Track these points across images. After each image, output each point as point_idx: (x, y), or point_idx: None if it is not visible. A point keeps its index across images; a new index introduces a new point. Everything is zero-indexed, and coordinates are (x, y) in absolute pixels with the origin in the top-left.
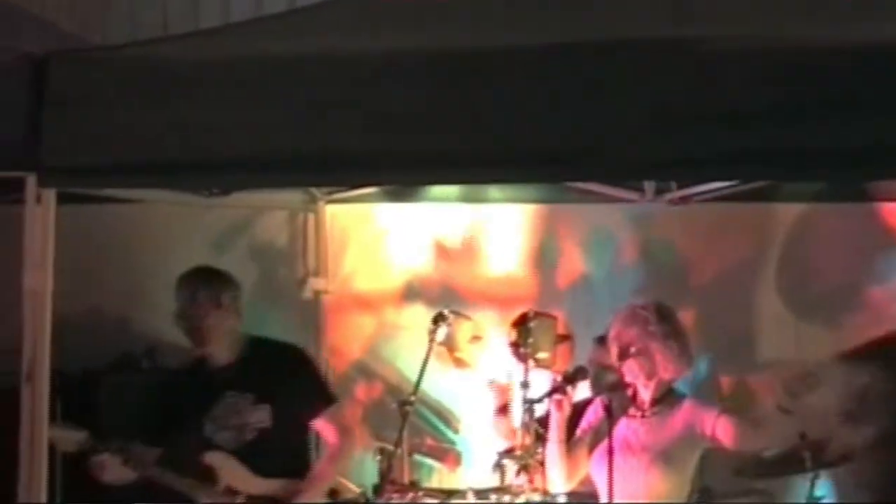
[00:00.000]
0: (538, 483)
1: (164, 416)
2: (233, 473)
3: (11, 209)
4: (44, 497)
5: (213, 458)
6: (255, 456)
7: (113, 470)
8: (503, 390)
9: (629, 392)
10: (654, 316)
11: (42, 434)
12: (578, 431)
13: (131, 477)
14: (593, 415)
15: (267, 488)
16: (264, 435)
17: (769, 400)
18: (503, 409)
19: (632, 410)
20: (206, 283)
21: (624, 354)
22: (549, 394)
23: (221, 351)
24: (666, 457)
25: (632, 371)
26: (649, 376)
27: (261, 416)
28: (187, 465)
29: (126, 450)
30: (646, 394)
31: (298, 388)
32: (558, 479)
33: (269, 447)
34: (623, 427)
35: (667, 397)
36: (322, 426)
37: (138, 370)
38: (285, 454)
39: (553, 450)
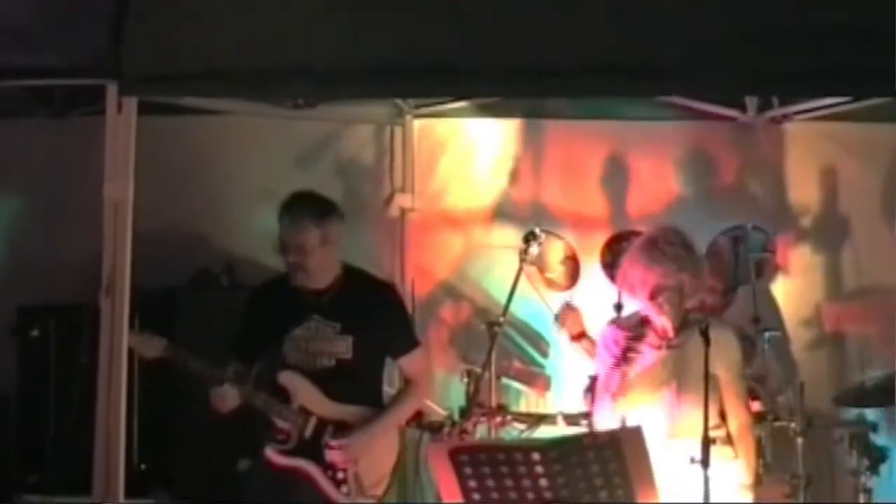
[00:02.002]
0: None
1: (245, 330)
2: (306, 395)
3: (90, 121)
4: (123, 407)
5: (288, 378)
6: (330, 382)
7: (232, 398)
8: (575, 318)
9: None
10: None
11: (122, 348)
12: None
13: (236, 404)
14: (615, 346)
15: (340, 413)
16: (342, 365)
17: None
18: (578, 337)
19: (653, 340)
20: (313, 213)
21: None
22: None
23: (317, 275)
24: (696, 387)
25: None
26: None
27: (342, 347)
28: (262, 382)
29: (243, 377)
30: (668, 323)
31: (385, 327)
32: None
33: (345, 377)
34: (649, 358)
35: (687, 326)
36: (406, 364)
37: (218, 287)
38: (360, 385)
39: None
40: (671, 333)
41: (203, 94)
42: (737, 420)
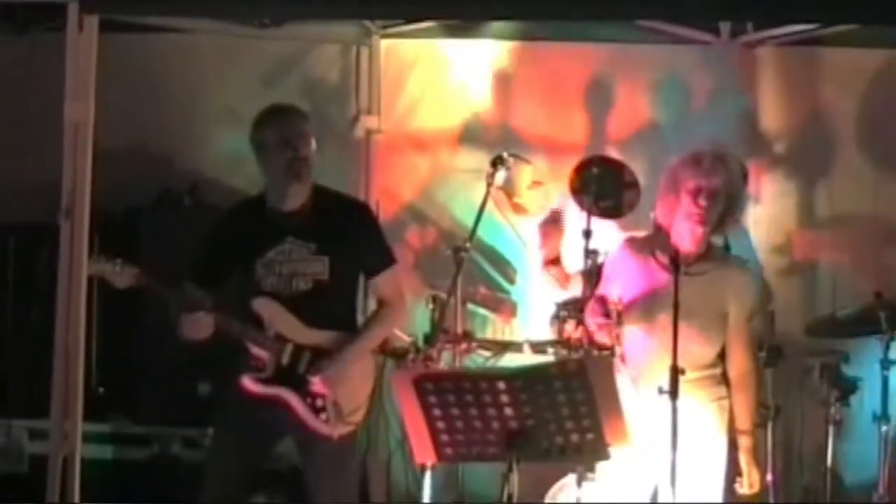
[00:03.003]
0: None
1: (209, 254)
2: (281, 321)
3: (52, 37)
4: (82, 334)
5: (262, 305)
6: (306, 307)
7: (207, 326)
8: (556, 232)
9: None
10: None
11: (81, 270)
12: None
13: (209, 333)
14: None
15: (316, 339)
16: (319, 286)
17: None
18: (554, 261)
19: (668, 263)
20: (301, 116)
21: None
22: None
23: (289, 194)
24: (715, 317)
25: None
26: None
27: (318, 268)
28: (235, 308)
29: (226, 309)
30: (700, 228)
31: (361, 246)
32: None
33: (321, 300)
34: (667, 285)
35: (710, 253)
36: (380, 284)
37: (181, 207)
38: (336, 308)
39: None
40: (697, 241)
41: (166, 13)
42: (739, 366)
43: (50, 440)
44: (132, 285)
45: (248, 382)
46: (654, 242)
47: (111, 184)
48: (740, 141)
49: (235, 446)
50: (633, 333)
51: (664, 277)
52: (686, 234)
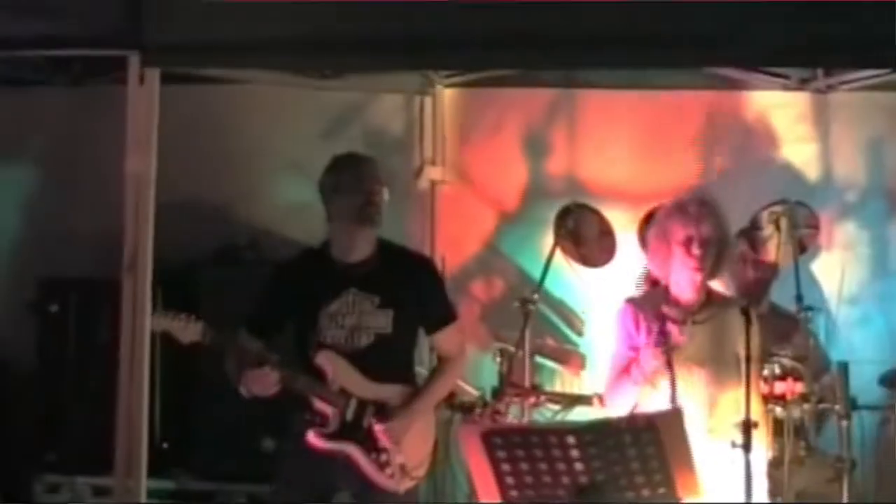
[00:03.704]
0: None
1: (274, 304)
2: (345, 375)
3: (108, 90)
4: (145, 390)
5: (326, 359)
6: (368, 360)
7: (274, 382)
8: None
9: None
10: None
11: (144, 325)
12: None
13: (276, 389)
14: (637, 326)
15: (378, 393)
16: (381, 340)
17: None
18: None
19: (677, 315)
20: (375, 164)
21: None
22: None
23: (355, 244)
24: (728, 361)
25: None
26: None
27: (382, 322)
28: (292, 360)
29: (287, 363)
30: (698, 275)
31: (424, 300)
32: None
33: (384, 354)
34: (679, 337)
35: (712, 298)
36: (441, 340)
37: (242, 262)
38: (397, 362)
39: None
40: (697, 289)
41: (226, 65)
42: (755, 406)
43: (114, 497)
44: (197, 340)
45: (313, 438)
46: (656, 297)
47: (170, 238)
48: (810, 188)
49: (295, 494)
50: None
51: (675, 330)
52: (685, 284)
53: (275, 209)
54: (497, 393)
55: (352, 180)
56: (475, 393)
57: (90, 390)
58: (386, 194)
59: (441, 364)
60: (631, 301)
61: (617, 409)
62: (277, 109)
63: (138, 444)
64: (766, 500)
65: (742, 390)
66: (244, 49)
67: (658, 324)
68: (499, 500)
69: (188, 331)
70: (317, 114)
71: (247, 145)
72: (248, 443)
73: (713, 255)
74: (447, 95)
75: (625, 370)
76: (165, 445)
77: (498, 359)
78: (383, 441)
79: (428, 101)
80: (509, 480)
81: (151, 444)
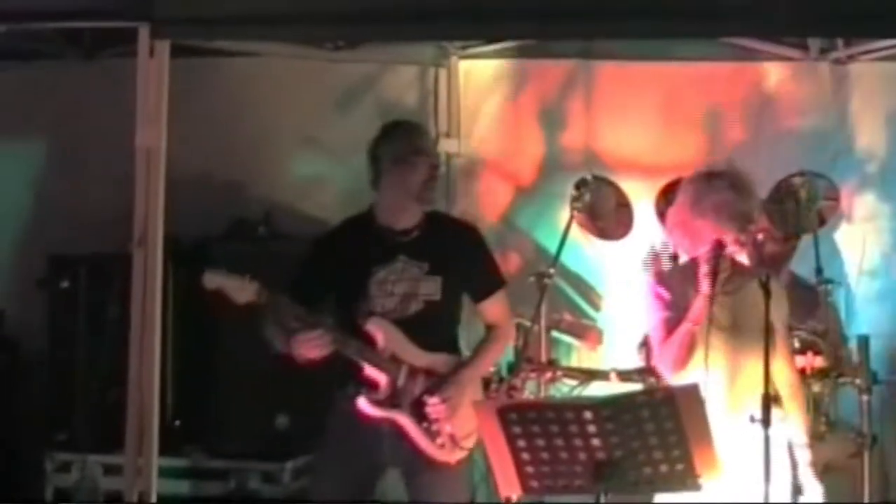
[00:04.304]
0: None
1: (320, 271)
2: (396, 342)
3: (120, 63)
4: (156, 367)
5: (376, 325)
6: (417, 328)
7: (325, 345)
8: (657, 262)
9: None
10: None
11: (155, 300)
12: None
13: (327, 352)
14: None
15: (428, 361)
16: (431, 307)
17: None
18: None
19: (705, 287)
20: (429, 137)
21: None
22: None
23: (403, 215)
24: (761, 330)
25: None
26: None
27: (431, 289)
28: (348, 329)
29: (337, 327)
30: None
31: (473, 268)
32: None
33: (432, 321)
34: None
35: (739, 271)
36: (489, 308)
37: (255, 237)
38: (445, 330)
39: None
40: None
41: (238, 36)
42: (788, 377)
43: (124, 476)
44: (252, 301)
45: (364, 404)
46: (685, 271)
47: (181, 213)
48: (831, 160)
49: (339, 477)
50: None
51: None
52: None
53: (288, 183)
54: (513, 368)
55: (413, 153)
56: (491, 369)
57: (101, 367)
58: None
59: (489, 332)
60: (659, 277)
61: (677, 374)
62: (290, 82)
63: (149, 422)
64: (788, 474)
65: (775, 362)
66: (255, 21)
67: (710, 264)
68: (515, 477)
69: (244, 290)
70: (329, 86)
71: (259, 119)
72: (263, 420)
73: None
74: (462, 67)
75: (670, 332)
76: (178, 423)
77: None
78: (435, 411)
79: (443, 72)
80: (525, 457)
81: (163, 422)
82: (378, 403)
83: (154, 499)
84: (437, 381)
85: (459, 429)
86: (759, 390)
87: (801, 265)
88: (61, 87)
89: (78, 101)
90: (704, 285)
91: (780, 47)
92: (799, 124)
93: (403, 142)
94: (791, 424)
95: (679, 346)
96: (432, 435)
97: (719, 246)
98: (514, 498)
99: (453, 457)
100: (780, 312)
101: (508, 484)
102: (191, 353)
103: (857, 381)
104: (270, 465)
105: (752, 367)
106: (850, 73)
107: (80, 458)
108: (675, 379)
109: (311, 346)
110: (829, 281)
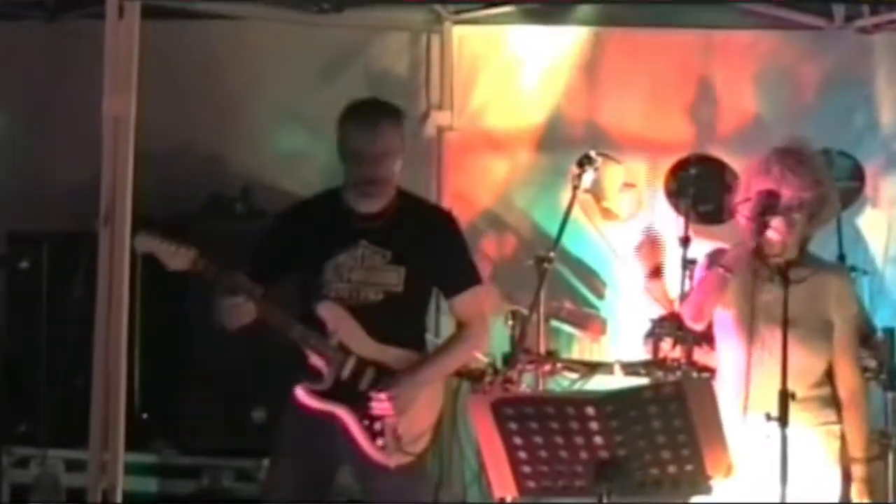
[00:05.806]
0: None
1: (276, 248)
2: (346, 330)
3: (86, 25)
4: (123, 354)
5: (328, 310)
6: (374, 319)
7: (247, 313)
8: (655, 248)
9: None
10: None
11: (122, 281)
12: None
13: (249, 319)
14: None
15: (382, 355)
16: (390, 298)
17: None
18: (656, 272)
19: (765, 273)
20: (390, 115)
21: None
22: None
23: (371, 197)
24: (819, 326)
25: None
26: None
27: (392, 279)
28: (296, 310)
29: (262, 293)
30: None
31: (443, 260)
32: None
33: (392, 313)
34: (769, 296)
35: (806, 258)
36: (459, 304)
37: (232, 213)
38: (406, 324)
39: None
40: (789, 248)
41: None
42: (848, 383)
43: (88, 472)
44: (185, 269)
45: (302, 393)
46: (739, 254)
47: (155, 187)
48: (854, 137)
49: (293, 473)
50: (730, 351)
51: (764, 288)
52: (776, 243)
53: (268, 158)
54: (509, 360)
55: (353, 143)
56: (485, 360)
57: (63, 355)
58: (393, 143)
59: (458, 331)
60: (714, 256)
61: (696, 323)
62: (271, 48)
63: (116, 414)
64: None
65: (839, 360)
66: None
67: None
68: (510, 477)
69: (177, 256)
70: (314, 53)
71: (237, 88)
72: (237, 414)
73: (805, 213)
74: (456, 33)
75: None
76: (146, 416)
77: (510, 322)
78: (379, 407)
79: (435, 39)
80: (522, 455)
81: (130, 415)
82: (318, 394)
83: (119, 498)
84: (388, 379)
85: (406, 431)
86: (807, 391)
87: (823, 251)
88: (22, 52)
89: (42, 67)
90: (749, 232)
91: (802, 14)
92: (821, 99)
93: (351, 129)
94: (849, 435)
95: (701, 290)
96: (373, 434)
97: (772, 195)
98: (510, 499)
99: (394, 461)
100: (843, 311)
101: (503, 484)
102: (161, 340)
103: (882, 376)
104: (245, 462)
105: (802, 360)
106: (876, 44)
107: (40, 452)
108: (695, 326)
109: (233, 313)
110: (852, 268)
